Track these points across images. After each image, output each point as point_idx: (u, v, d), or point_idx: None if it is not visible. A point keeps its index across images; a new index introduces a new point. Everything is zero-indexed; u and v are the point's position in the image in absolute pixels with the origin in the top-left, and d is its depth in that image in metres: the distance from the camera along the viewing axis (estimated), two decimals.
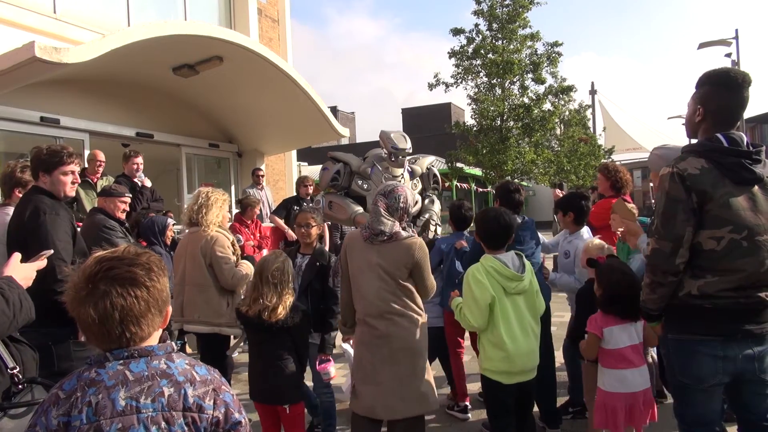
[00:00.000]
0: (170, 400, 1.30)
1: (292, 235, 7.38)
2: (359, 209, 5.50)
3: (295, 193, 7.89)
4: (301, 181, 7.70)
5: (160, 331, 1.42)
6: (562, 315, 5.72)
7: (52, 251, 2.52)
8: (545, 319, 3.65)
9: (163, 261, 1.42)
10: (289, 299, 3.08)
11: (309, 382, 3.66)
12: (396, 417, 2.93)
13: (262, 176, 8.67)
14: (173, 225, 5.41)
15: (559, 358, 4.30)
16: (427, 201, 5.41)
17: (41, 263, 2.35)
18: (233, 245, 4.00)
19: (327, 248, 8.89)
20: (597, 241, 3.68)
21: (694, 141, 2.43)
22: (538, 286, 3.18)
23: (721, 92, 2.27)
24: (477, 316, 2.99)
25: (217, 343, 3.89)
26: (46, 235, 2.90)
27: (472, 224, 4.45)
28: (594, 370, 3.38)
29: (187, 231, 4.10)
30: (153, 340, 1.38)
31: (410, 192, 3.17)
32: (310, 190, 7.68)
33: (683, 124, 2.52)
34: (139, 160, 6.22)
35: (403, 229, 3.06)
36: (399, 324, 2.94)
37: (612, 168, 4.81)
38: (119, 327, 1.29)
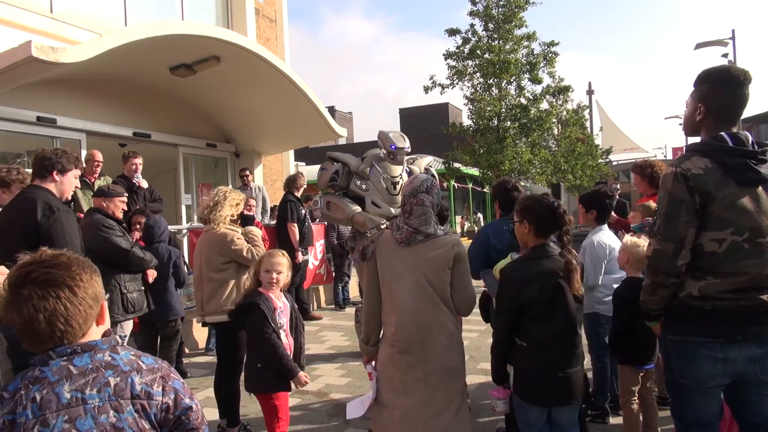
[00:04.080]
0: (117, 389, 1.32)
1: (298, 257, 7.19)
2: (357, 208, 5.50)
3: (285, 192, 7.69)
4: (295, 179, 7.65)
5: (104, 327, 1.43)
6: None
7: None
8: None
9: (86, 259, 1.43)
10: None
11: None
12: None
13: (248, 176, 8.51)
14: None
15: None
16: None
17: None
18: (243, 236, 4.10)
19: (322, 249, 8.93)
20: (634, 239, 3.47)
21: (692, 140, 2.42)
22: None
23: (722, 90, 2.23)
24: None
25: (236, 332, 3.96)
26: (62, 232, 2.95)
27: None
28: (631, 374, 3.35)
29: (202, 229, 4.25)
30: (93, 336, 1.40)
31: None
32: (301, 189, 7.65)
33: (680, 124, 2.50)
34: (138, 160, 6.21)
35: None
36: (436, 341, 2.63)
37: (645, 165, 4.55)
38: (47, 328, 1.31)
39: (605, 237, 3.94)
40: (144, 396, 1.34)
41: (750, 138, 2.20)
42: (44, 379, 1.30)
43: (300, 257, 7.23)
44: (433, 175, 6.05)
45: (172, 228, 5.67)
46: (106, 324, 1.45)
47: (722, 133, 2.20)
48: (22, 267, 1.35)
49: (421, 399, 2.62)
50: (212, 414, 3.99)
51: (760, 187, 2.17)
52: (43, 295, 1.30)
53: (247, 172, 8.61)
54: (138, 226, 5.10)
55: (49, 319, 1.31)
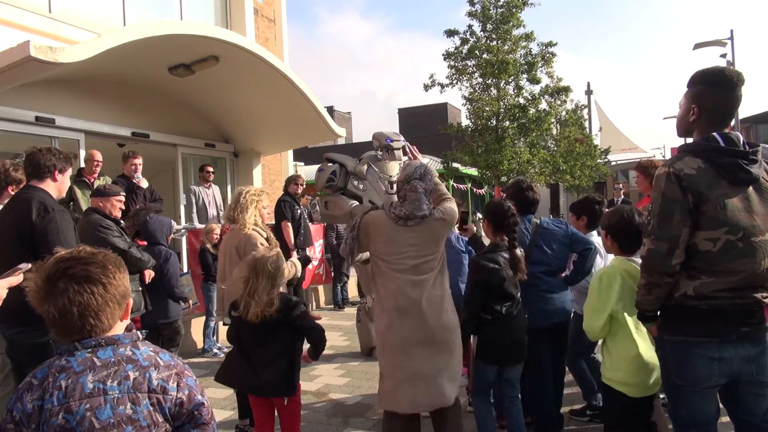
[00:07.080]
0: (135, 382, 1.41)
1: (293, 256, 7.14)
2: (354, 203, 5.53)
3: (283, 192, 7.63)
4: (293, 180, 7.61)
5: (126, 322, 1.53)
6: None
7: (30, 265, 2.46)
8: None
9: (119, 259, 1.52)
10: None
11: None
12: (448, 402, 2.90)
13: (210, 173, 8.21)
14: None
15: None
16: None
17: (16, 279, 2.31)
18: (268, 241, 4.10)
19: (321, 249, 8.92)
20: None
21: (688, 140, 2.43)
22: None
23: (716, 91, 2.25)
24: (592, 323, 2.74)
25: None
26: (56, 232, 2.96)
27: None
28: None
29: (228, 228, 4.33)
30: (117, 331, 1.49)
31: None
32: (300, 189, 7.62)
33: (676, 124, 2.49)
34: (138, 160, 6.21)
35: None
36: (434, 301, 2.92)
37: (648, 164, 4.59)
38: (79, 321, 1.40)
39: (594, 242, 3.94)
40: (160, 391, 1.43)
41: (741, 138, 2.23)
42: (70, 369, 1.39)
43: (295, 256, 7.19)
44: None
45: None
46: (128, 319, 1.55)
47: (714, 133, 2.22)
48: (60, 261, 1.43)
49: (425, 357, 2.86)
50: (218, 414, 3.99)
51: (751, 188, 2.19)
52: (78, 290, 1.39)
53: (210, 169, 8.25)
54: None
55: (82, 312, 1.40)
